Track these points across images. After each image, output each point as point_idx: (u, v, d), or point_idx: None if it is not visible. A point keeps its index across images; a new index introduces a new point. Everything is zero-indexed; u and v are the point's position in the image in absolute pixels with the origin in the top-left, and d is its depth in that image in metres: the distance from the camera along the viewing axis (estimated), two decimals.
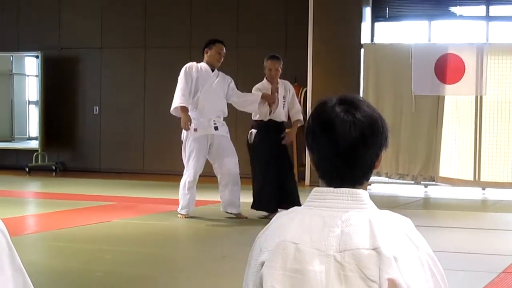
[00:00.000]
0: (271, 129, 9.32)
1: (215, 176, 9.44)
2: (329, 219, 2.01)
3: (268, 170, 9.24)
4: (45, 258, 7.37)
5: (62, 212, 9.94)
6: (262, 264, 2.02)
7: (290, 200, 9.08)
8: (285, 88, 9.50)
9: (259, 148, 9.31)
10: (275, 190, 9.20)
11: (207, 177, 10.04)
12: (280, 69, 9.44)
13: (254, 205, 9.35)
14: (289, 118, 9.62)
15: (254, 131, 9.42)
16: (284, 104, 9.43)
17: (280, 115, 9.39)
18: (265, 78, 9.50)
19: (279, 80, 9.49)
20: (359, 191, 2.04)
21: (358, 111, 2.04)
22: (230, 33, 14.84)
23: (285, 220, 2.07)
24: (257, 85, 9.48)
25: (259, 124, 9.39)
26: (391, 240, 1.96)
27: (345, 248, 1.96)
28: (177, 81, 9.32)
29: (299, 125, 9.53)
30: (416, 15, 14.41)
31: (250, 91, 9.50)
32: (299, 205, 8.42)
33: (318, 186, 2.11)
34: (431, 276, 2.00)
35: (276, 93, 9.39)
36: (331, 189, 2.05)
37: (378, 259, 1.93)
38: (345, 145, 2.02)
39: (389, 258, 1.93)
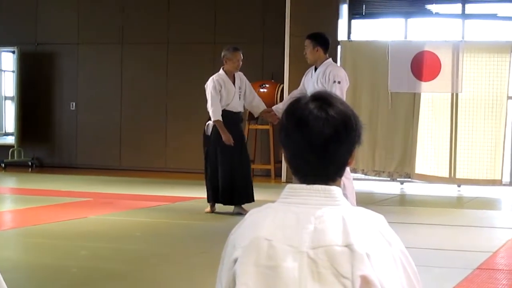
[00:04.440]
0: (228, 120, 9.20)
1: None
2: (302, 216, 2.01)
3: (223, 163, 9.19)
4: (20, 254, 7.35)
5: (38, 208, 9.90)
6: (235, 260, 2.02)
7: (242, 195, 9.15)
8: (241, 80, 9.44)
9: (216, 141, 9.23)
10: (229, 184, 9.17)
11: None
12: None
13: (213, 199, 9.32)
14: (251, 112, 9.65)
15: (211, 122, 9.30)
16: (240, 94, 9.40)
17: (236, 105, 9.32)
18: (221, 69, 9.43)
19: None
20: (332, 188, 2.05)
21: (332, 108, 2.04)
22: (208, 29, 14.83)
23: (258, 216, 2.07)
24: (214, 76, 9.33)
25: None
26: (364, 237, 1.97)
27: (318, 244, 1.97)
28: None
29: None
30: (393, 12, 14.46)
31: None
32: (251, 199, 8.34)
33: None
34: (403, 272, 2.01)
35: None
36: (304, 185, 2.05)
37: (351, 256, 1.94)
38: (318, 141, 2.02)
39: (361, 254, 1.94)
